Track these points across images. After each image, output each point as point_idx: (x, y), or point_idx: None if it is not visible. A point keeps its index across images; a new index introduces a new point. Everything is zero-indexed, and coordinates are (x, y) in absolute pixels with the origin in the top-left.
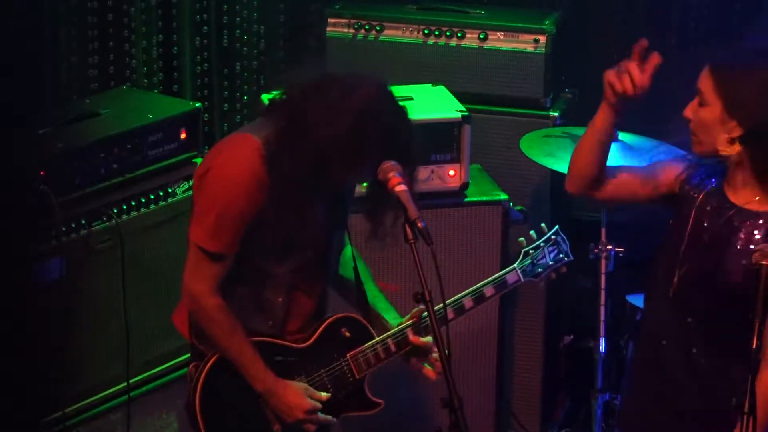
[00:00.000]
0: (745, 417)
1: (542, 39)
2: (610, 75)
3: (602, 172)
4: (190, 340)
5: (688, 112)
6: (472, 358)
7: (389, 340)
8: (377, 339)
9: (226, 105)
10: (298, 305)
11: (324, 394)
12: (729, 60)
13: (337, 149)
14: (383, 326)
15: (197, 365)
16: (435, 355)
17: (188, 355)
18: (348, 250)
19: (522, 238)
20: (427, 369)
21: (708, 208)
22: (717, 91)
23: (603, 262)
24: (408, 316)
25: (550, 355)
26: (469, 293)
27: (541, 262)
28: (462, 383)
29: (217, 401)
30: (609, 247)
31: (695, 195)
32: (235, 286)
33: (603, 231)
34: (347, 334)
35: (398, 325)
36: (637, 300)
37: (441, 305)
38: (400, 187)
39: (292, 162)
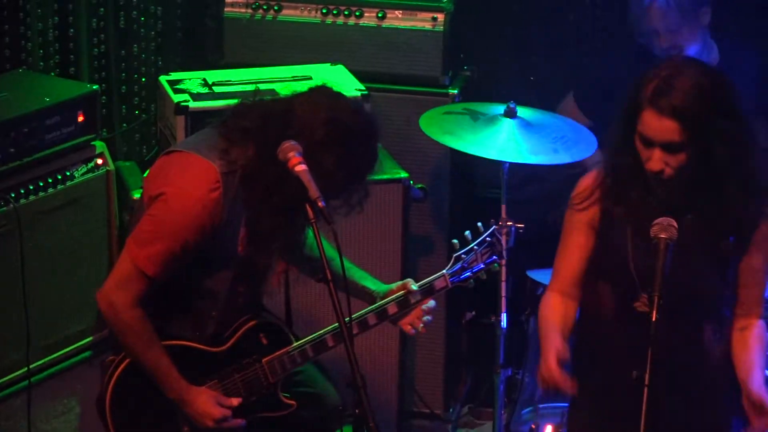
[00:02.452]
0: (646, 389)
1: (440, 17)
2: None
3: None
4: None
5: (659, 165)
6: (374, 337)
7: (307, 346)
8: (295, 345)
9: (124, 87)
10: (227, 313)
11: (235, 400)
12: (673, 93)
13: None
14: (368, 295)
15: (113, 360)
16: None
17: (90, 338)
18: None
19: (455, 240)
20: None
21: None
22: (684, 131)
23: (504, 238)
24: (396, 287)
25: (453, 331)
26: (393, 299)
27: (472, 266)
28: (365, 362)
29: (128, 399)
30: (509, 223)
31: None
32: (164, 295)
33: (503, 208)
34: (264, 340)
35: (384, 294)
36: (537, 275)
37: (366, 310)
38: (301, 167)
39: (260, 193)
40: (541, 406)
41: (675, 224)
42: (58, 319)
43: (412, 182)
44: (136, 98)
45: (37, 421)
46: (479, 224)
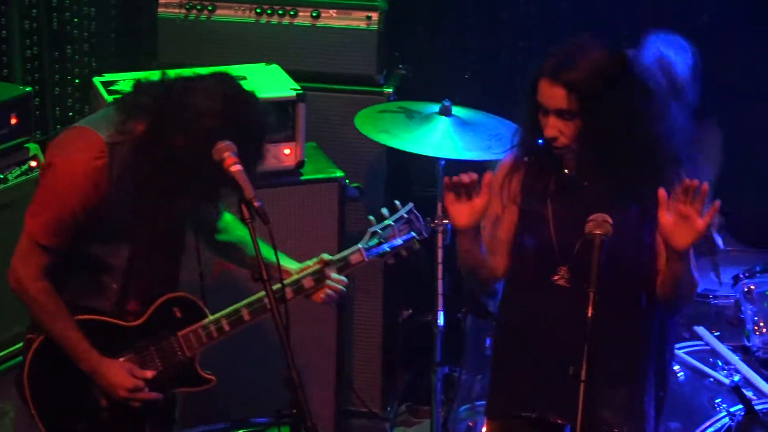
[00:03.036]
0: (582, 385)
1: (374, 16)
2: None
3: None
4: None
5: (552, 132)
6: (311, 336)
7: (223, 319)
8: (210, 318)
9: (57, 89)
10: (138, 289)
11: (149, 372)
12: (568, 64)
13: (192, 158)
14: (285, 272)
15: (32, 337)
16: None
17: (21, 344)
18: (227, 216)
19: (372, 217)
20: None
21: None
22: (574, 99)
23: (439, 236)
24: (313, 262)
25: (389, 330)
26: (309, 273)
27: (390, 241)
28: (302, 360)
29: (45, 375)
30: (445, 221)
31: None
32: (71, 270)
33: (439, 205)
34: (179, 313)
35: (300, 270)
36: None
37: (279, 285)
38: (236, 167)
39: (147, 168)
40: (478, 403)
41: (609, 220)
42: None
43: (348, 181)
44: (70, 100)
45: None
46: (396, 202)
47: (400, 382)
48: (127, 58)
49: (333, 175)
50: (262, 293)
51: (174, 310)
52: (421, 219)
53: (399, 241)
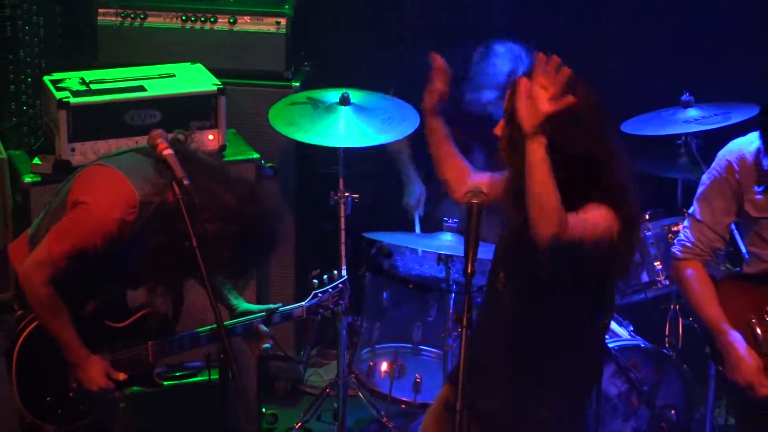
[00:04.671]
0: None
1: (283, 21)
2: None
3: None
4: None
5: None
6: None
7: (185, 337)
8: (176, 337)
9: (12, 86)
10: (113, 304)
11: (122, 375)
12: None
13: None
14: (229, 306)
15: (25, 315)
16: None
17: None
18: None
19: (315, 280)
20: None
21: None
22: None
23: (342, 206)
24: (257, 309)
25: (301, 286)
26: (259, 317)
27: (324, 305)
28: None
29: (32, 353)
30: (346, 194)
31: None
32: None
33: (341, 181)
34: (154, 327)
35: (244, 310)
36: (372, 236)
37: (237, 321)
38: (167, 151)
39: (165, 238)
40: (377, 346)
41: (485, 190)
42: None
43: (263, 162)
44: (24, 95)
45: None
46: (335, 272)
47: (312, 330)
48: (71, 59)
49: (250, 156)
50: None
51: (150, 323)
52: (348, 290)
53: (330, 306)
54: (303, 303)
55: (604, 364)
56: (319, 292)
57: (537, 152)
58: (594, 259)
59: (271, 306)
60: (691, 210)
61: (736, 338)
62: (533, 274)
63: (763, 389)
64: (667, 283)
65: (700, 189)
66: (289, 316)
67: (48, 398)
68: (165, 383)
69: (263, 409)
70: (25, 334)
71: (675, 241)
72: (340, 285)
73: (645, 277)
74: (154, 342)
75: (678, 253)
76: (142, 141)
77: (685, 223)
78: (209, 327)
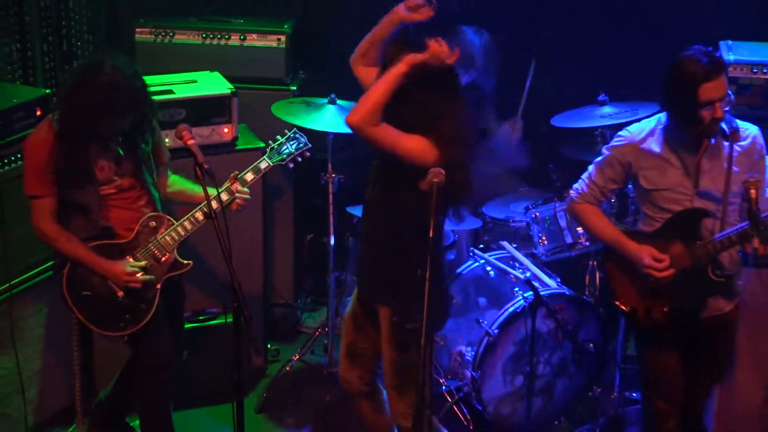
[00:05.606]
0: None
1: (283, 38)
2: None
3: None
4: None
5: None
6: (244, 253)
7: (185, 221)
8: (176, 223)
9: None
10: (119, 220)
11: (142, 263)
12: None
13: (91, 115)
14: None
15: (60, 261)
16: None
17: (51, 262)
18: (174, 176)
19: (270, 141)
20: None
21: None
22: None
23: (330, 185)
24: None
25: (298, 248)
26: (224, 189)
27: (284, 150)
28: (239, 270)
29: (76, 283)
30: (334, 175)
31: None
32: (66, 217)
33: (329, 165)
34: (152, 223)
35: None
36: (353, 210)
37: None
38: (192, 141)
39: (66, 125)
40: None
41: (443, 171)
42: (26, 252)
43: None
44: None
45: (19, 320)
46: (286, 130)
47: (307, 282)
48: None
49: (257, 145)
50: (204, 203)
51: (150, 224)
52: (303, 137)
53: (292, 150)
54: (264, 157)
55: (536, 306)
56: (275, 145)
57: (399, 68)
58: (414, 174)
59: (235, 173)
60: (590, 168)
61: (632, 242)
62: (387, 181)
63: (657, 273)
64: (588, 244)
65: (599, 157)
66: (258, 171)
67: (108, 311)
68: (188, 325)
69: (269, 345)
70: (66, 271)
71: (572, 188)
72: (291, 134)
73: (569, 239)
74: (161, 233)
75: (574, 197)
76: (170, 133)
77: (583, 176)
78: (199, 206)
